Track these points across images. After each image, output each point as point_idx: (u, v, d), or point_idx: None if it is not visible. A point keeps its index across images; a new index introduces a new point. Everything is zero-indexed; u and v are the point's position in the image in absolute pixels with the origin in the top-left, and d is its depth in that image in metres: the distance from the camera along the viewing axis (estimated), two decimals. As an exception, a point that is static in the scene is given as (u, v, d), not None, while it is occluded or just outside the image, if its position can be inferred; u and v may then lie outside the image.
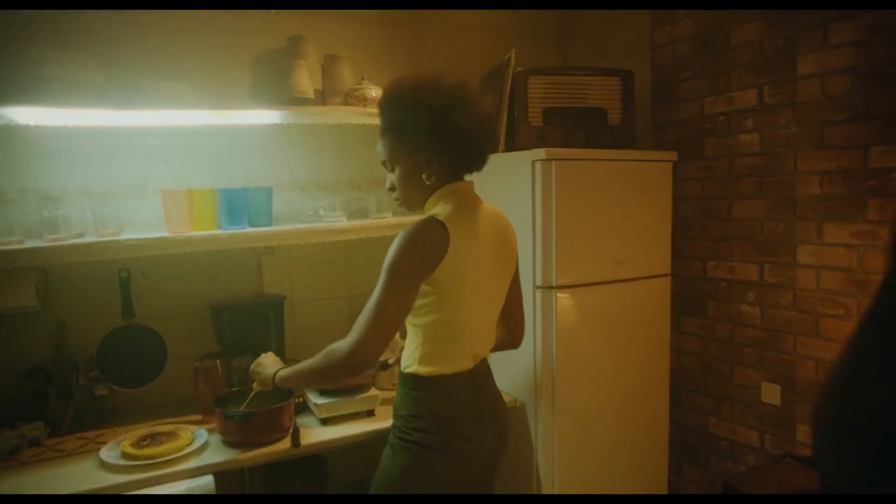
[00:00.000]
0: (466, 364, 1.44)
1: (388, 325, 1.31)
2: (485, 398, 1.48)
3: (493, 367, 1.56)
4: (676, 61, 2.39)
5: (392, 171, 1.46)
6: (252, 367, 1.69)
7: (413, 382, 1.43)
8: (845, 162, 1.88)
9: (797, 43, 1.98)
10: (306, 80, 2.05)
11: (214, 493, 1.61)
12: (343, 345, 1.32)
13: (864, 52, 1.81)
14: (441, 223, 1.34)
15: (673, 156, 2.23)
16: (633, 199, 2.13)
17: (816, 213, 1.98)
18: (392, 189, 1.48)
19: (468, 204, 1.44)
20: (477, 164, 1.47)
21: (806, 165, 1.99)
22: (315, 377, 1.47)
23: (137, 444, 1.70)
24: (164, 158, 2.04)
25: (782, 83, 2.04)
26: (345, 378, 1.43)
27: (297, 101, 2.02)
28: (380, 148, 1.47)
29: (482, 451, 1.46)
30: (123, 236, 1.80)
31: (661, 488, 2.33)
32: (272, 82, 2.10)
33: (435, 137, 1.38)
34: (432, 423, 1.40)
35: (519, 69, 2.17)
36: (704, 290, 2.37)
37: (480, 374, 1.48)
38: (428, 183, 1.42)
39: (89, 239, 1.75)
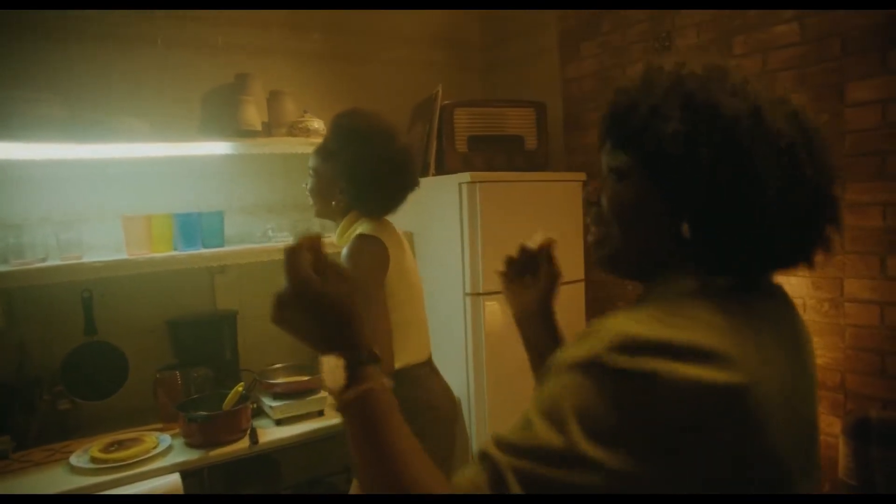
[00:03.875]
0: (424, 354, 1.69)
1: (387, 337, 1.50)
2: (441, 381, 1.74)
3: None
4: (583, 94, 2.72)
5: (311, 177, 1.70)
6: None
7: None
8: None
9: (679, 79, 2.34)
10: (254, 113, 2.26)
11: (182, 490, 1.78)
12: None
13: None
14: (374, 237, 1.58)
15: (582, 176, 2.55)
16: (548, 214, 2.43)
17: (701, 223, 2.32)
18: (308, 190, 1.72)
19: (382, 220, 1.69)
20: (384, 214, 1.69)
21: (691, 183, 2.34)
22: None
23: (105, 449, 1.84)
24: (122, 186, 2.20)
25: (669, 113, 2.39)
26: None
27: (246, 134, 2.23)
28: (313, 155, 1.70)
29: (452, 427, 1.72)
30: (86, 259, 1.96)
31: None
32: (222, 116, 2.30)
33: (361, 180, 1.61)
34: (411, 413, 1.64)
35: (446, 101, 2.45)
36: (615, 294, 2.69)
37: (432, 362, 1.74)
38: (332, 204, 1.66)
39: (55, 262, 1.90)
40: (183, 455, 1.84)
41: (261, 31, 2.48)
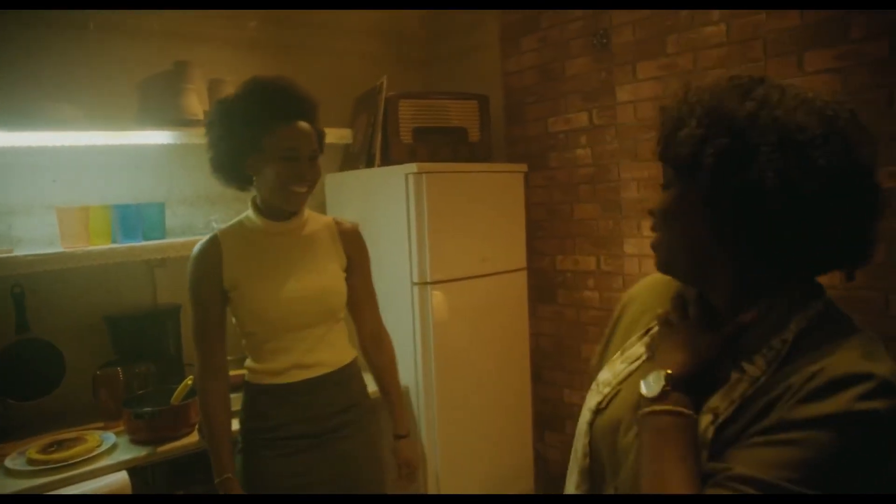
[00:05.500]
0: None
1: None
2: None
3: None
4: (524, 87, 2.80)
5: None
6: None
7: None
8: (654, 171, 2.36)
9: (615, 76, 2.45)
10: (195, 102, 2.21)
11: (130, 488, 1.73)
12: None
13: (661, 85, 2.30)
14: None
15: (524, 167, 2.63)
16: (492, 205, 2.49)
17: (636, 212, 2.44)
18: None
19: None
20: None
21: (627, 174, 2.46)
22: None
23: (44, 450, 1.77)
24: (52, 177, 2.10)
25: (606, 108, 2.49)
26: None
27: (188, 123, 2.17)
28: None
29: None
30: (17, 253, 1.87)
31: (527, 454, 2.71)
32: (161, 104, 2.23)
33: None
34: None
35: (391, 93, 2.47)
36: (555, 281, 2.79)
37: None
38: None
39: (-17, 257, 1.80)
40: (129, 452, 1.80)
41: (198, 17, 2.41)
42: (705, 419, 0.77)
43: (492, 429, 2.52)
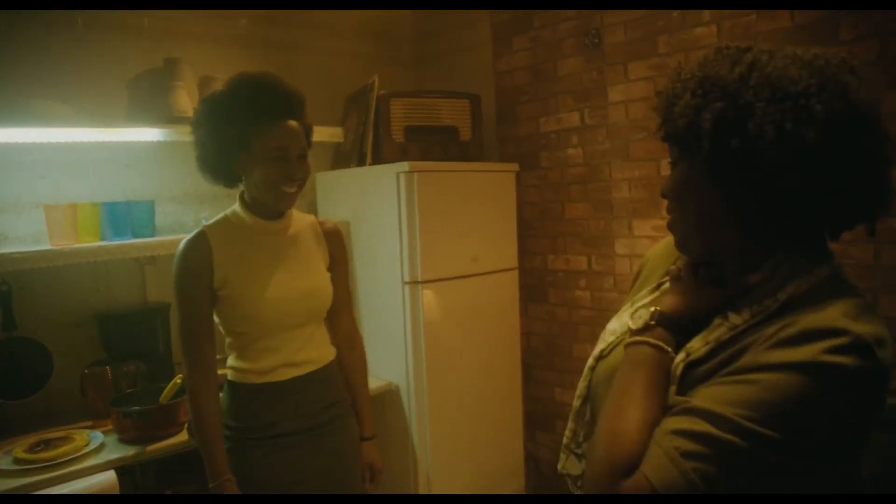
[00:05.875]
0: None
1: None
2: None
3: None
4: (516, 87, 2.80)
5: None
6: None
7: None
8: (645, 171, 2.37)
9: (606, 76, 2.45)
10: (185, 100, 2.19)
11: (118, 487, 1.72)
12: None
13: (652, 85, 2.31)
14: None
15: (515, 167, 2.63)
16: (483, 204, 2.49)
17: (627, 212, 2.45)
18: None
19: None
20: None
21: (618, 174, 2.46)
22: None
23: (30, 449, 1.76)
24: (39, 174, 2.09)
25: (597, 108, 2.50)
26: None
27: (178, 120, 2.16)
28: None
29: None
30: (3, 250, 1.85)
31: (518, 454, 2.71)
32: (151, 101, 2.22)
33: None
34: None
35: (382, 92, 2.46)
36: (546, 280, 2.79)
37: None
38: None
39: (-30, 254, 1.79)
40: (117, 452, 1.79)
41: (188, 15, 2.40)
42: (679, 357, 0.79)
43: (483, 428, 2.52)
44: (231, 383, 1.64)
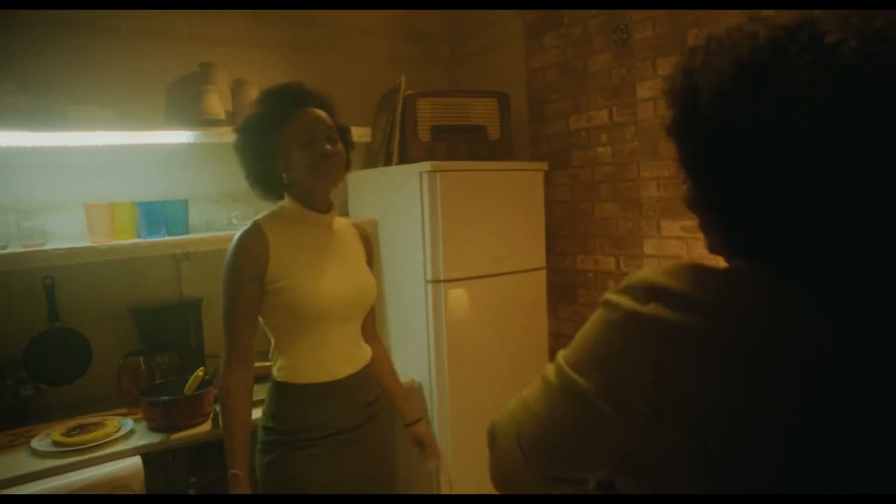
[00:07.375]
0: None
1: None
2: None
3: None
4: (546, 84, 2.77)
5: None
6: None
7: None
8: (674, 170, 2.30)
9: (636, 72, 2.40)
10: (217, 103, 2.28)
11: (143, 473, 1.81)
12: None
13: (682, 81, 2.24)
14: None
15: (544, 166, 2.61)
16: (510, 203, 2.48)
17: (656, 212, 2.39)
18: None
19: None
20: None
21: (646, 172, 2.40)
22: None
23: (67, 433, 1.87)
24: (83, 175, 2.22)
25: (626, 105, 2.44)
26: None
27: (209, 123, 2.25)
28: None
29: None
30: (48, 247, 1.98)
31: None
32: (186, 105, 2.32)
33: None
34: None
35: (409, 92, 2.48)
36: (575, 281, 2.75)
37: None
38: None
39: (17, 250, 1.92)
40: (145, 439, 1.88)
41: (225, 20, 2.50)
42: None
43: (507, 428, 2.51)
44: (281, 384, 1.60)
